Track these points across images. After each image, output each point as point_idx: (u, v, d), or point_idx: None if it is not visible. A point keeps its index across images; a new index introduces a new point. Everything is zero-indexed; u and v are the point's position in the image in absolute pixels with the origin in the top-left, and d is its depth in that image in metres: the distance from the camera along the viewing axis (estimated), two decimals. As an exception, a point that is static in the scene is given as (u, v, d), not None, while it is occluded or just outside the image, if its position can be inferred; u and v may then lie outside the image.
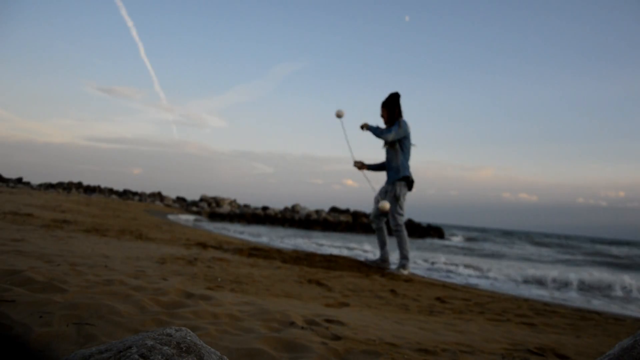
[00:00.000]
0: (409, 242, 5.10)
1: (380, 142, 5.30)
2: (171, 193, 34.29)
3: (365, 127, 5.16)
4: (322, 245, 10.56)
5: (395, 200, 5.04)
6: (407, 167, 5.07)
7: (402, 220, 5.09)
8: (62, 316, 1.46)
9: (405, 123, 5.06)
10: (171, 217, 16.86)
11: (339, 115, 5.30)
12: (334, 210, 26.30)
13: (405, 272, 4.99)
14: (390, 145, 5.14)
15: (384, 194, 5.22)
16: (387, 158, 5.19)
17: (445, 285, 4.75)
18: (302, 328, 1.77)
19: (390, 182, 5.12)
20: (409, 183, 5.07)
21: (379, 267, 5.02)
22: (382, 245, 5.24)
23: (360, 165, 5.30)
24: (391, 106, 5.15)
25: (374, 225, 5.35)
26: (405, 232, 5.07)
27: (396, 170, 5.08)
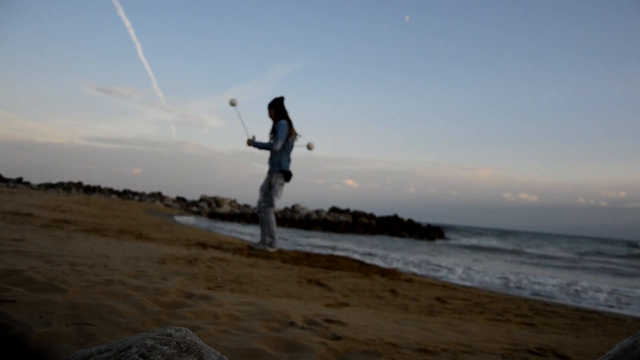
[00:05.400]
0: (275, 224, 5.76)
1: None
2: (171, 193, 34.32)
3: (250, 143, 5.79)
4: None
5: (269, 188, 5.73)
6: (286, 163, 5.78)
7: (274, 204, 5.75)
8: (62, 316, 1.46)
9: (284, 125, 5.68)
10: (177, 218, 16.85)
11: (232, 104, 5.99)
12: (334, 210, 26.29)
13: (272, 249, 5.58)
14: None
15: (266, 184, 5.80)
16: (271, 153, 5.80)
17: (445, 285, 4.75)
18: (302, 328, 1.77)
19: (270, 172, 5.79)
20: (287, 175, 5.79)
21: (261, 249, 5.51)
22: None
23: (249, 142, 5.88)
24: (277, 107, 5.83)
25: (260, 213, 5.85)
26: (273, 215, 5.76)
27: (277, 165, 5.75)
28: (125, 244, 4.39)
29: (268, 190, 5.74)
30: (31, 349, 1.20)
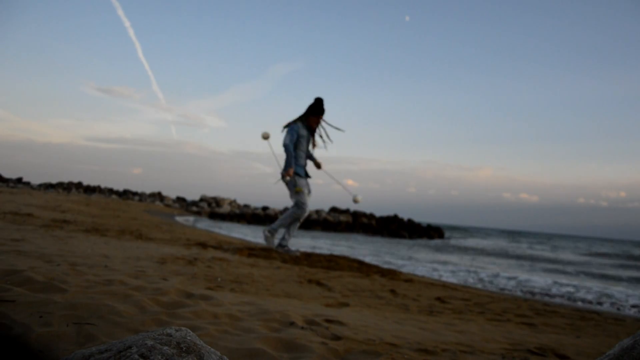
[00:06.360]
0: None
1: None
2: (171, 193, 34.32)
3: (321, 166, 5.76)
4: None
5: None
6: None
7: None
8: (62, 316, 1.46)
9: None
10: (177, 218, 16.83)
11: (265, 137, 5.72)
12: (334, 210, 26.27)
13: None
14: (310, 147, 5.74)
15: (307, 187, 5.75)
16: (306, 158, 5.72)
17: (445, 286, 4.75)
18: (302, 328, 1.77)
19: (308, 178, 5.76)
20: None
21: (285, 251, 5.56)
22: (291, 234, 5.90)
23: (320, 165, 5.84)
24: None
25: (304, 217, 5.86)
26: None
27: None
28: (125, 244, 4.39)
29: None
30: (31, 349, 1.20)
